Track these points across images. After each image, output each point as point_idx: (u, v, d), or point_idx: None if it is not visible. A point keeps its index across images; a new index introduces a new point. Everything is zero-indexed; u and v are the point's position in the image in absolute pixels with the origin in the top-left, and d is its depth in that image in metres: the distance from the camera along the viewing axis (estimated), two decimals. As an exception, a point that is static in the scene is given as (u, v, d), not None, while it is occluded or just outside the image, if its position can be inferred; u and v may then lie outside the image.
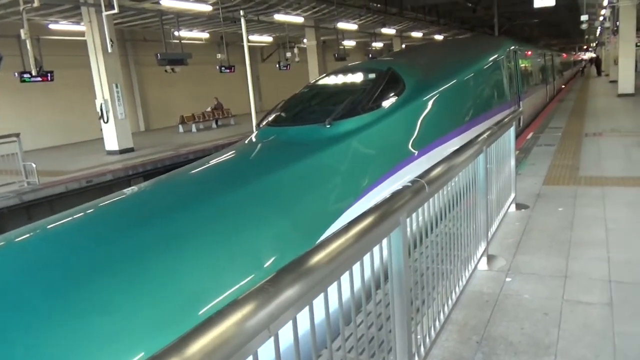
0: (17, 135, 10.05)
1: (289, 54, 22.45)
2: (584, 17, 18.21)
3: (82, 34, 13.99)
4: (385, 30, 24.57)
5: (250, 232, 3.28)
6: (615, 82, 18.50)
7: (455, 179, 2.74)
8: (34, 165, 10.03)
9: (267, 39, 24.65)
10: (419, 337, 2.25)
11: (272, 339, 1.20)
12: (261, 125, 5.37)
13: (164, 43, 15.11)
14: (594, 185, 5.52)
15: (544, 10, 19.25)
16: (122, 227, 3.16)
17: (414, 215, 2.14)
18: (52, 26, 15.50)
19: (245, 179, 3.91)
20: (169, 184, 4.13)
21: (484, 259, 3.50)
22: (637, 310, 2.80)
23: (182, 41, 16.58)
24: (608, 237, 3.91)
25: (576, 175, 6.06)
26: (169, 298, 2.60)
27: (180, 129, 19.39)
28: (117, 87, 13.75)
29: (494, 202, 3.89)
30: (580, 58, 53.65)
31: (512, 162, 4.68)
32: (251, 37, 21.19)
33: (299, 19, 18.80)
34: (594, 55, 48.66)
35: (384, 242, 1.87)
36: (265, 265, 3.10)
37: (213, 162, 4.50)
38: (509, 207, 4.64)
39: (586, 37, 43.65)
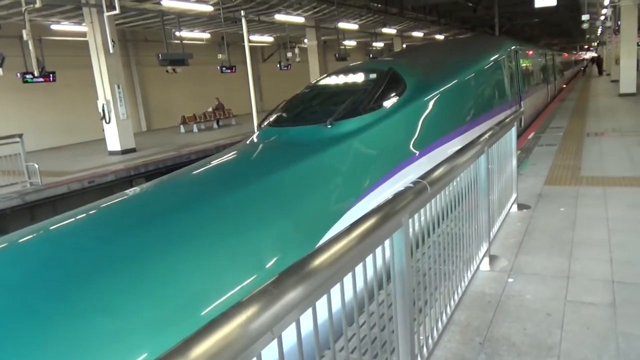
0: (20, 135, 10.07)
1: (289, 54, 22.45)
2: (585, 17, 18.16)
3: (83, 34, 14.01)
4: (385, 30, 24.56)
5: (252, 233, 3.28)
6: (616, 81, 18.49)
7: (457, 180, 2.75)
8: (36, 166, 10.05)
9: (268, 39, 24.66)
10: (421, 337, 2.25)
11: (275, 341, 1.20)
12: (262, 126, 5.38)
13: (165, 43, 15.14)
14: (595, 185, 5.51)
15: (544, 10, 19.21)
16: (125, 228, 3.17)
17: (416, 216, 2.14)
18: (54, 27, 15.53)
19: (247, 180, 3.91)
20: (172, 184, 4.14)
21: (486, 259, 3.49)
22: (640, 310, 2.79)
23: (183, 41, 16.61)
24: (610, 238, 3.91)
25: (578, 175, 6.06)
26: (172, 299, 2.61)
27: (182, 129, 19.42)
28: (119, 87, 13.77)
29: (495, 203, 3.89)
30: (581, 57, 53.60)
31: (514, 162, 4.68)
32: (252, 37, 21.22)
33: (300, 19, 18.81)
34: (595, 54, 48.60)
35: (387, 243, 1.87)
36: (268, 266, 3.10)
37: (215, 162, 4.51)
38: (510, 207, 4.64)
39: (587, 36, 43.58)
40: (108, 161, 12.79)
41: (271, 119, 5.45)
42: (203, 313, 2.57)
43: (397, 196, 1.96)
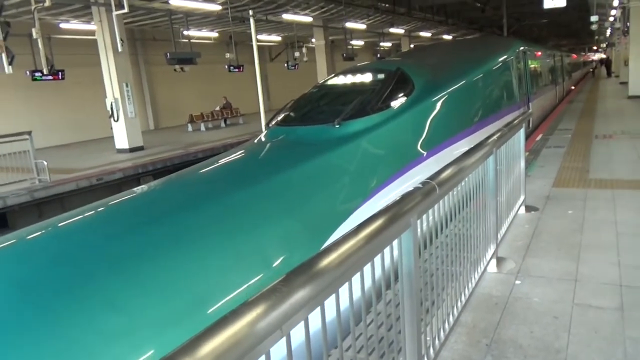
0: (29, 133, 10.16)
1: (297, 54, 22.49)
2: (593, 18, 18.06)
3: (92, 33, 14.11)
4: (393, 30, 24.52)
5: (260, 232, 3.29)
6: (625, 83, 18.34)
7: (465, 181, 2.74)
8: (45, 163, 10.14)
9: (275, 38, 24.69)
10: (428, 338, 2.25)
11: (284, 339, 1.21)
12: (270, 125, 5.40)
13: (173, 42, 15.21)
14: (604, 188, 5.48)
15: (553, 10, 19.11)
16: (134, 226, 3.19)
17: (424, 216, 2.14)
18: (63, 25, 15.64)
19: (255, 179, 3.92)
20: (179, 182, 4.16)
21: (494, 261, 3.49)
22: (648, 314, 2.78)
23: (191, 40, 16.69)
24: (619, 241, 3.88)
25: (586, 177, 6.02)
26: (180, 296, 2.62)
27: (189, 127, 19.50)
28: (127, 85, 13.85)
29: (503, 204, 3.88)
30: (590, 59, 53.22)
31: (522, 164, 4.66)
32: (260, 37, 21.23)
33: (308, 19, 18.82)
34: (604, 56, 48.25)
35: (395, 243, 1.88)
36: (275, 265, 3.11)
37: (223, 161, 4.53)
38: (518, 209, 4.63)
39: (596, 37, 43.30)
40: (116, 159, 12.87)
41: (279, 118, 5.46)
42: (211, 310, 2.59)
43: (406, 196, 1.97)
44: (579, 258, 3.61)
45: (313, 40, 22.56)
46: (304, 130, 4.90)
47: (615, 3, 17.37)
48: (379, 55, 25.67)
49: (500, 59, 7.88)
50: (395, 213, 1.82)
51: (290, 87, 19.27)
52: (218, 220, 3.29)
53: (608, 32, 33.06)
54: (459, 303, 2.75)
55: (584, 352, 2.45)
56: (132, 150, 13.98)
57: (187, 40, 16.37)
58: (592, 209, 4.73)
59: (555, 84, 15.16)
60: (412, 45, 27.79)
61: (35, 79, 12.09)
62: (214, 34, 21.28)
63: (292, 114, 5.48)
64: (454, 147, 5.23)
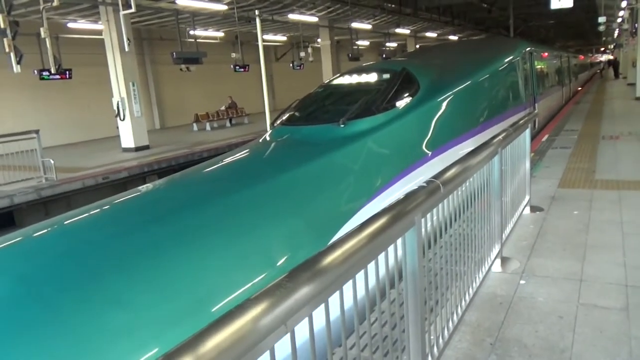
0: (37, 131, 10.23)
1: (302, 54, 22.49)
2: (601, 19, 17.96)
3: (100, 32, 14.20)
4: (399, 31, 24.49)
5: (264, 231, 3.30)
6: (633, 84, 18.21)
7: (469, 180, 2.74)
8: (52, 161, 10.22)
9: (281, 38, 24.72)
10: (432, 337, 2.25)
11: (288, 334, 1.22)
12: (275, 124, 5.41)
13: (180, 42, 15.26)
14: (610, 188, 5.45)
15: (560, 11, 19.01)
16: (139, 224, 3.20)
17: (428, 215, 2.14)
18: (70, 25, 15.74)
19: (260, 178, 3.93)
20: (184, 181, 4.18)
21: (498, 260, 3.48)
22: (654, 315, 2.76)
23: (197, 40, 16.72)
24: (624, 241, 3.87)
25: (592, 178, 5.99)
26: (185, 294, 2.63)
27: (195, 127, 19.57)
28: (133, 85, 13.92)
29: (508, 204, 3.87)
30: (597, 60, 52.91)
31: (527, 164, 4.65)
32: (265, 37, 21.29)
33: (313, 19, 18.84)
34: (611, 57, 47.93)
35: (399, 241, 1.88)
36: (279, 264, 3.12)
37: (228, 160, 4.54)
38: (523, 209, 4.61)
39: (603, 38, 43.04)
40: (122, 158, 12.94)
41: (284, 117, 5.47)
42: (215, 308, 2.60)
43: (410, 195, 1.97)
44: (585, 258, 3.60)
45: (319, 40, 22.57)
46: (309, 129, 4.91)
47: (624, 4, 17.27)
48: (384, 56, 25.62)
49: (506, 60, 7.86)
50: (400, 211, 1.82)
51: (296, 87, 19.28)
52: (223, 219, 3.30)
53: (616, 33, 32.87)
54: (463, 302, 2.75)
55: (589, 352, 2.45)
56: (137, 149, 14.04)
57: (193, 40, 16.42)
58: (598, 210, 4.71)
59: (561, 85, 15.09)
60: (417, 46, 27.74)
61: (43, 78, 12.18)
62: (220, 34, 21.34)
63: (297, 113, 5.49)
64: (459, 148, 5.22)
